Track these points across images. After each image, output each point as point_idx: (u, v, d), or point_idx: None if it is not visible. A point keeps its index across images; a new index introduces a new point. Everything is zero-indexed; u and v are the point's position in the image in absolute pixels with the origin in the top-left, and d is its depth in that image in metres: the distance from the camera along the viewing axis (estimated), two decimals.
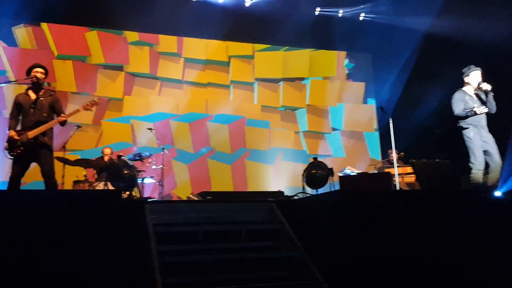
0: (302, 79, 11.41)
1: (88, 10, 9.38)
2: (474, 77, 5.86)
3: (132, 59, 10.15)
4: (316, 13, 10.96)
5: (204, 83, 10.57)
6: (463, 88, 5.93)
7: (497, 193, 5.98)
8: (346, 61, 11.84)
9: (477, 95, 5.88)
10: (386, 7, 10.72)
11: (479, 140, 5.64)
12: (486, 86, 5.72)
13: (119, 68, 10.01)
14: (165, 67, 10.37)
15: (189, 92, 10.44)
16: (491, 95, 5.74)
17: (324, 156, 10.52)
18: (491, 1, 8.85)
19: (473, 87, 5.89)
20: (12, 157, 5.04)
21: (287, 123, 11.10)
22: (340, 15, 11.10)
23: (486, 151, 5.64)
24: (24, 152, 5.01)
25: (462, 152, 5.90)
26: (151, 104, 10.08)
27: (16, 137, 5.02)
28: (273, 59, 11.25)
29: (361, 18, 11.26)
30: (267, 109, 10.99)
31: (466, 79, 5.93)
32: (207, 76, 10.63)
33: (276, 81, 11.14)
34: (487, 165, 5.65)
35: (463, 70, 5.98)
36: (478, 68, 5.90)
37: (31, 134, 5.03)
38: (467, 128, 5.71)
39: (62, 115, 5.21)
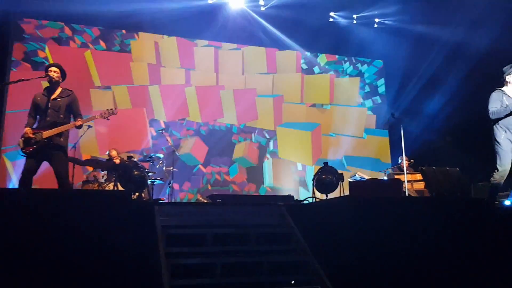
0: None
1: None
2: None
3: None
4: (331, 19, 11.03)
5: None
6: (502, 88, 5.59)
7: (507, 202, 5.94)
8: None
9: None
10: (400, 15, 10.77)
11: (509, 145, 5.40)
12: None
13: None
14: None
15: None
16: None
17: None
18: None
19: None
20: (25, 155, 5.07)
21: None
22: (354, 21, 11.16)
23: None
24: (37, 151, 5.04)
25: (472, 160, 5.88)
26: None
27: (31, 135, 5.05)
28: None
29: (375, 25, 11.31)
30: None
31: (507, 78, 5.58)
32: None
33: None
34: None
35: (504, 69, 5.64)
36: None
37: (46, 134, 5.05)
38: (498, 131, 5.45)
39: (79, 120, 5.23)
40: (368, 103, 11.81)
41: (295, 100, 11.21)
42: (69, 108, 5.29)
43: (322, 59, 11.61)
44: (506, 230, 4.69)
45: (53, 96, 5.25)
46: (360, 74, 11.88)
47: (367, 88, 11.85)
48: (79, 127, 5.28)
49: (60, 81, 5.35)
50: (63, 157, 5.19)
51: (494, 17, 8.91)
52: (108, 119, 5.48)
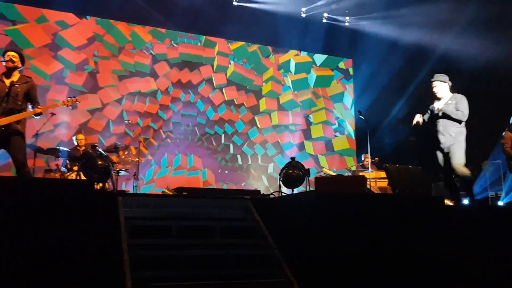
0: None
1: None
2: None
3: None
4: (303, 15, 11.06)
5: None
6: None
7: (465, 201, 6.16)
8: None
9: None
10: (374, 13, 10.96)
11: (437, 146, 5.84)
12: None
13: None
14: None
15: None
16: None
17: None
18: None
19: None
20: None
21: None
22: (324, 20, 11.24)
23: (448, 152, 5.74)
24: None
25: (434, 160, 6.03)
26: None
27: None
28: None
29: (346, 24, 11.43)
30: None
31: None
32: None
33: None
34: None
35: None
36: None
37: (3, 121, 4.89)
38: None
39: (39, 107, 5.10)
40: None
41: None
42: (27, 95, 5.15)
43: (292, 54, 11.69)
44: (464, 228, 4.87)
45: (12, 82, 5.09)
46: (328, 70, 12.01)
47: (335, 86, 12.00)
48: (38, 115, 5.14)
49: (19, 67, 5.21)
50: (22, 142, 5.04)
51: (459, 21, 9.18)
52: (71, 108, 5.45)
